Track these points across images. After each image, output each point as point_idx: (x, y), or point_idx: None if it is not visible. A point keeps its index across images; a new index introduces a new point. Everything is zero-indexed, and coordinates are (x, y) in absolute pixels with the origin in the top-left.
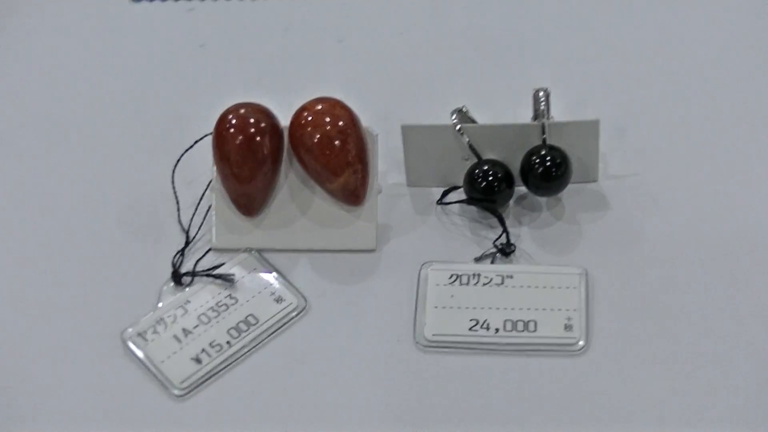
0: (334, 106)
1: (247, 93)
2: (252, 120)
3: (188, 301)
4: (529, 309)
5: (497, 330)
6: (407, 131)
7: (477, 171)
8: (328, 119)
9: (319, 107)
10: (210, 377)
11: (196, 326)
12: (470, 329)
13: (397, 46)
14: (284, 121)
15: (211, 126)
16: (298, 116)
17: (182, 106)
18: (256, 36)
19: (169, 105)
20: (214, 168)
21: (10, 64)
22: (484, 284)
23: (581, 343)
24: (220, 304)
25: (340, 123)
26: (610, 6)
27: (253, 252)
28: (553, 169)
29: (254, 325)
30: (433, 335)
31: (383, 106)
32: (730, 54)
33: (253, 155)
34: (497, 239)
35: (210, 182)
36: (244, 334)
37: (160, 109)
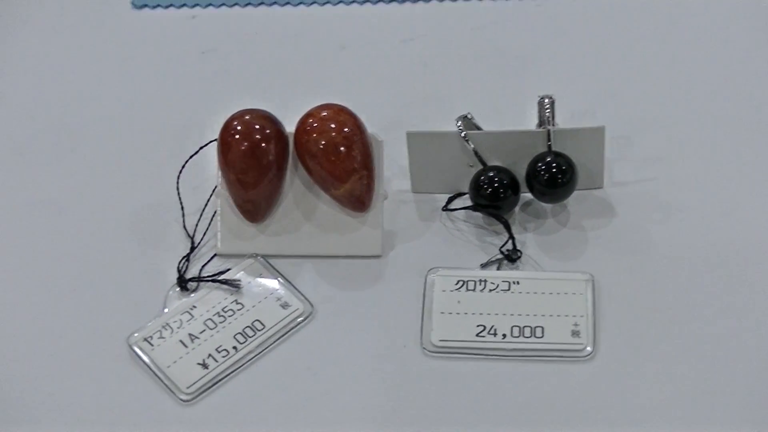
0: (339, 113)
1: (251, 100)
2: (257, 126)
3: (194, 307)
4: (536, 315)
5: (504, 336)
6: (412, 138)
7: (483, 177)
8: (333, 125)
9: (324, 113)
10: (216, 382)
11: (203, 331)
12: (477, 335)
13: (402, 53)
14: (289, 127)
15: (214, 132)
16: (303, 122)
17: (186, 112)
18: (259, 43)
19: (172, 112)
20: (219, 174)
21: (13, 74)
22: (491, 290)
23: (588, 348)
24: (226, 309)
25: (346, 129)
26: (615, 13)
27: (258, 258)
28: (559, 176)
29: (260, 330)
30: (440, 341)
31: (388, 113)
32: (736, 61)
33: (258, 161)
34: (503, 245)
35: (215, 188)
36: (250, 340)
37: (163, 116)
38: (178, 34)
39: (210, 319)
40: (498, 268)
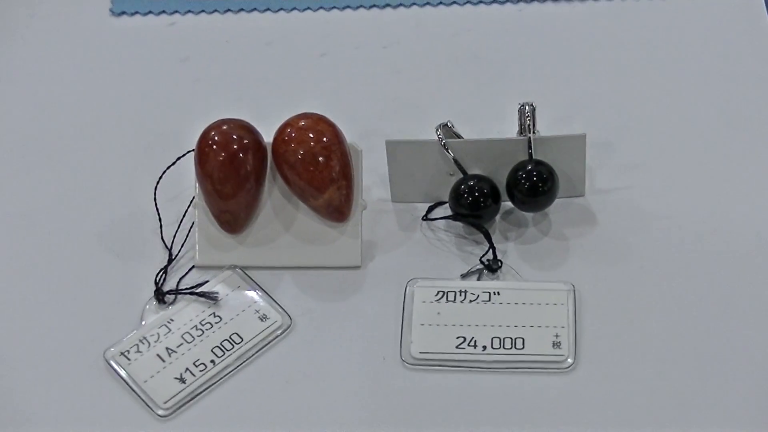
0: (318, 122)
1: (230, 108)
2: (235, 136)
3: (172, 320)
4: (516, 326)
5: (485, 347)
6: (391, 147)
7: (463, 186)
8: (311, 135)
9: (303, 123)
10: (194, 397)
11: (180, 345)
12: (457, 347)
13: (381, 61)
14: (267, 137)
15: (193, 142)
16: (281, 132)
17: (164, 121)
18: (238, 50)
19: (151, 120)
20: (197, 185)
21: None
22: (471, 301)
23: (570, 360)
24: (203, 322)
25: (324, 139)
26: (595, 21)
27: (236, 269)
28: (540, 184)
29: (239, 343)
30: (420, 353)
31: (366, 122)
32: (716, 68)
33: (236, 172)
34: (483, 255)
35: (193, 199)
36: (228, 353)
37: (141, 125)
38: (157, 41)
39: (188, 332)
40: (478, 279)
